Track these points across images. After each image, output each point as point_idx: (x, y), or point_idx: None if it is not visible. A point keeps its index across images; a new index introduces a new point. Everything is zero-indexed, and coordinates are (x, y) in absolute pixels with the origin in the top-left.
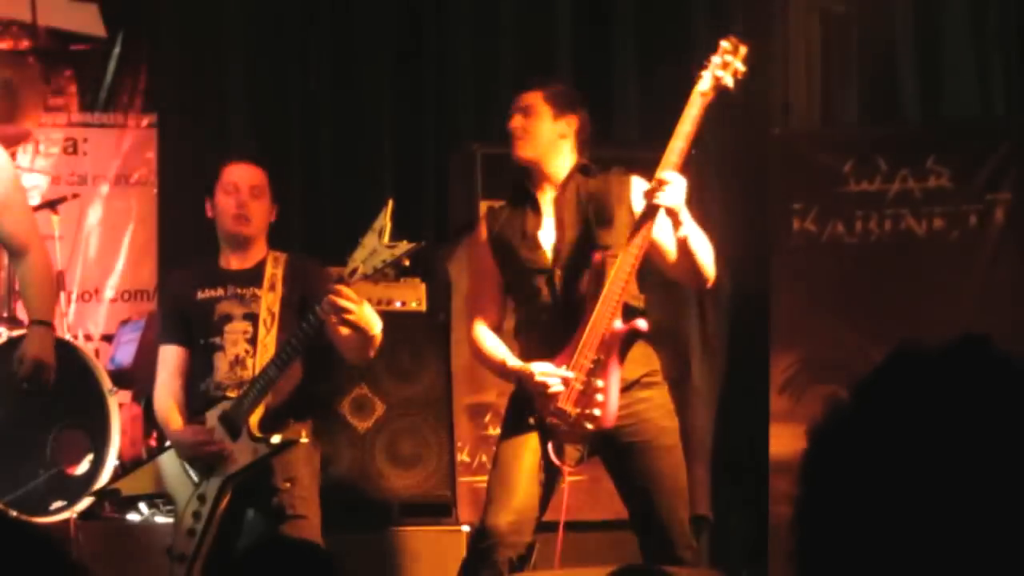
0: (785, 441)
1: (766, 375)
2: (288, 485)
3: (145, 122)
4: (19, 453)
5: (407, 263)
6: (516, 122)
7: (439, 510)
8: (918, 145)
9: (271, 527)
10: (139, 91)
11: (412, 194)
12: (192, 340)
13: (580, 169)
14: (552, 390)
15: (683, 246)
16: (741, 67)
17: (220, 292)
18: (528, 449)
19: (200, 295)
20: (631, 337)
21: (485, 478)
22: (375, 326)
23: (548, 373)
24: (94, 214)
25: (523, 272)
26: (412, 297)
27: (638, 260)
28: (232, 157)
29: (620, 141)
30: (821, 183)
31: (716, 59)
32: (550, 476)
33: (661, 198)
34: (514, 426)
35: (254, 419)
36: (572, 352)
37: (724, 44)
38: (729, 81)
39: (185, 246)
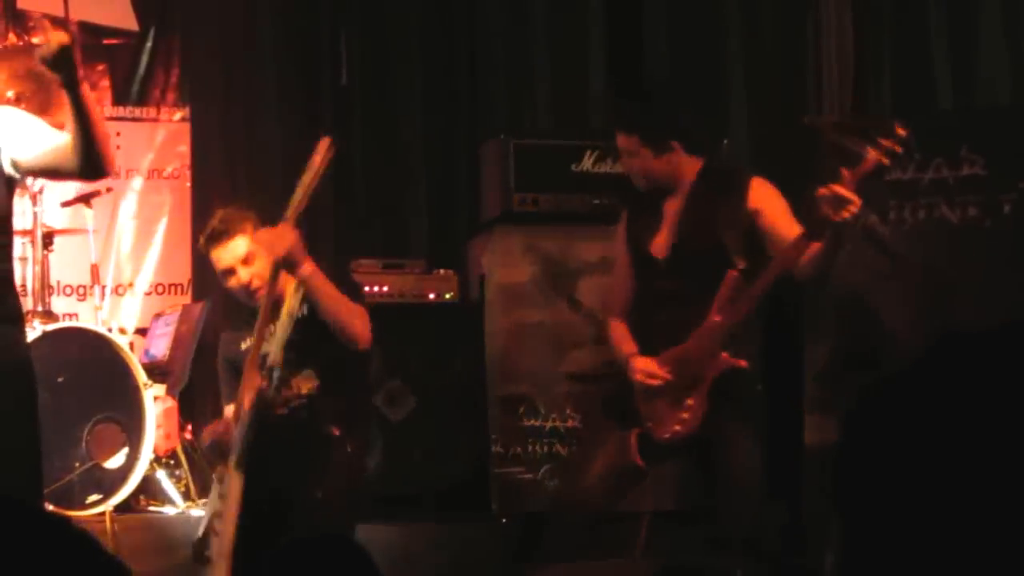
0: (819, 431)
1: (801, 365)
2: (320, 494)
3: (178, 116)
4: (55, 447)
5: (319, 160)
6: (624, 163)
7: (473, 502)
8: (951, 134)
9: (304, 522)
10: (171, 85)
11: (445, 186)
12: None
13: (703, 173)
14: (648, 384)
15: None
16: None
17: (248, 342)
18: (613, 437)
19: (243, 346)
20: (729, 372)
21: (519, 469)
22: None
23: (646, 371)
24: (128, 208)
25: (647, 271)
26: (445, 289)
27: (783, 267)
28: (208, 242)
29: None
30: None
31: (885, 144)
32: (629, 469)
33: (835, 217)
34: (609, 412)
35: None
36: (677, 357)
37: (900, 133)
38: (886, 161)
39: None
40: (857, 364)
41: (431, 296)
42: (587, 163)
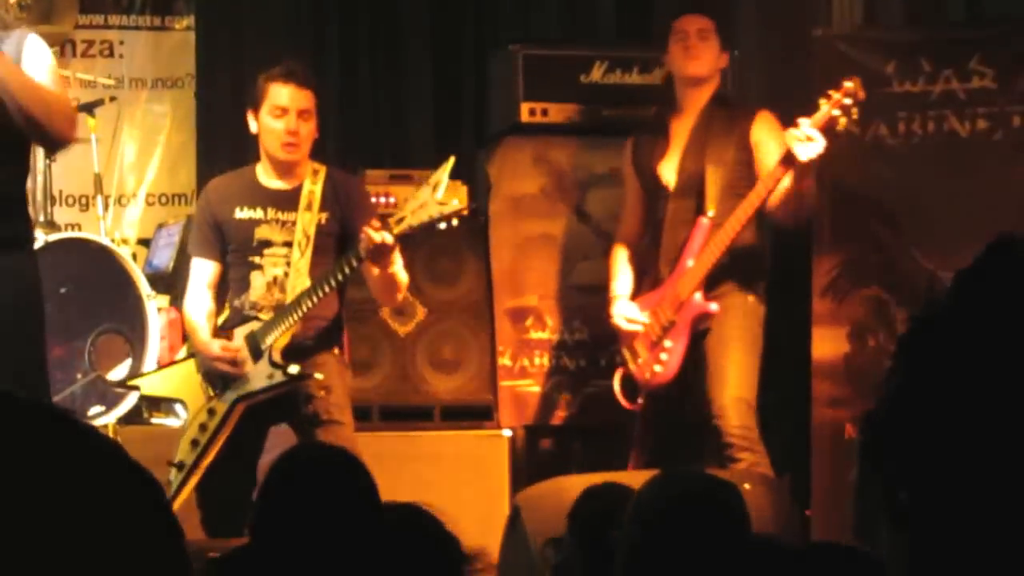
0: (827, 344)
1: (808, 278)
2: (323, 392)
3: (183, 25)
4: (57, 359)
5: (455, 223)
6: (692, 41)
7: (480, 414)
8: (961, 45)
9: (304, 433)
10: None
11: (451, 95)
12: (228, 255)
13: (716, 100)
14: (626, 329)
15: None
16: (856, 113)
17: (260, 214)
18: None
19: (239, 214)
20: (704, 316)
21: (527, 382)
22: (401, 276)
23: (626, 316)
24: (131, 117)
25: (656, 193)
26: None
27: (755, 208)
28: (280, 75)
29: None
30: (864, 84)
31: (837, 96)
32: None
33: (803, 151)
34: None
35: (278, 344)
36: (660, 297)
37: (848, 85)
38: (843, 123)
39: (222, 150)
40: (864, 276)
41: None
42: (596, 74)
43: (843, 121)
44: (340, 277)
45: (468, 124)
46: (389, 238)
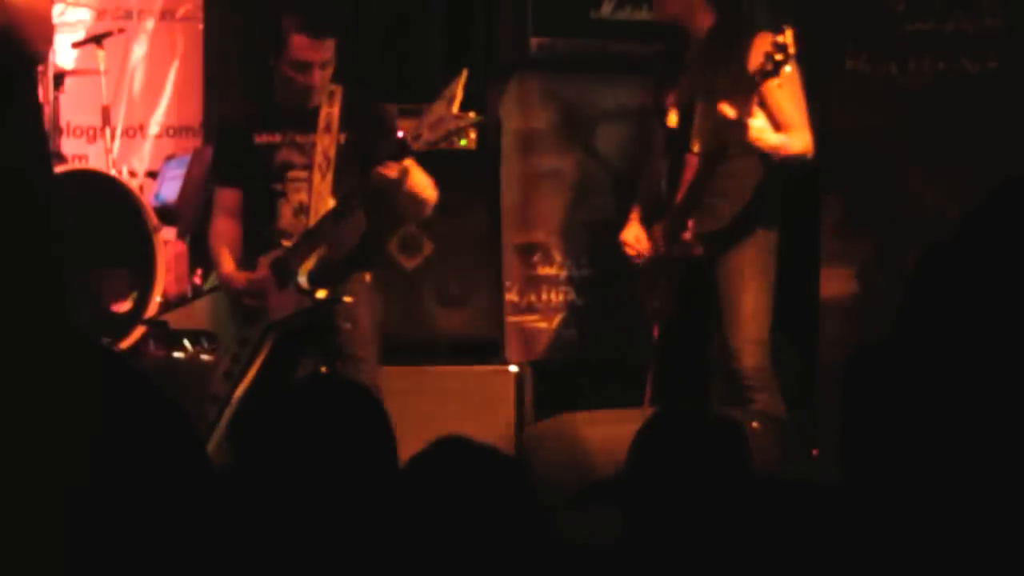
0: (835, 283)
1: (816, 216)
2: (349, 326)
3: None
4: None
5: (473, 135)
6: None
7: (487, 349)
8: None
9: (329, 366)
10: None
11: (461, 28)
12: (250, 183)
13: (716, 29)
14: (629, 256)
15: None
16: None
17: (279, 138)
18: None
19: (258, 139)
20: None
21: (534, 317)
22: (426, 189)
23: (629, 243)
24: (139, 49)
25: (664, 133)
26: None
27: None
28: (303, 27)
29: None
30: (874, 23)
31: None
32: None
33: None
34: None
35: (304, 269)
36: (657, 234)
37: (779, 41)
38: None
39: (231, 83)
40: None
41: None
42: (607, 9)
43: (768, 69)
44: (361, 190)
45: (478, 59)
46: (395, 173)
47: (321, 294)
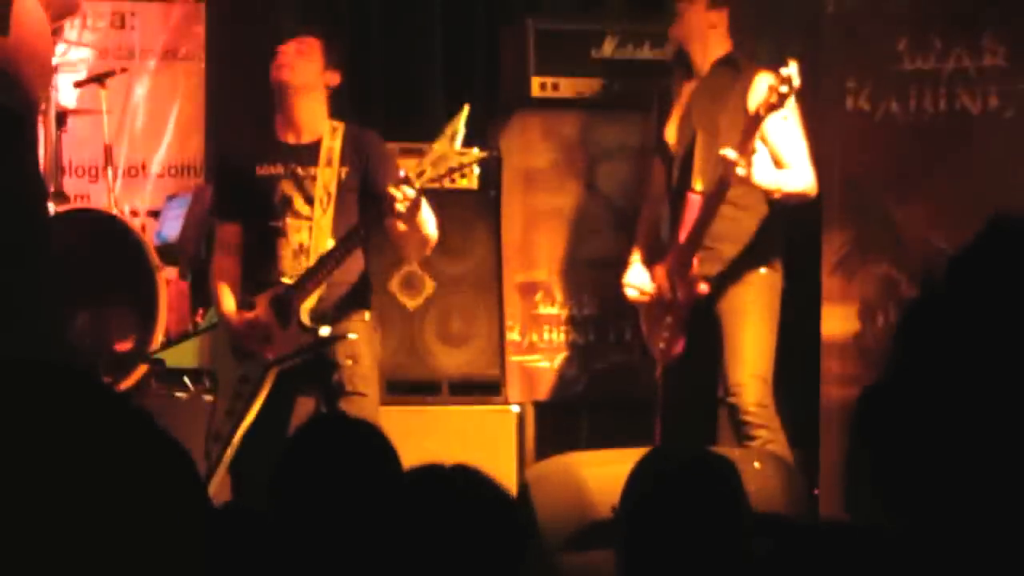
0: (836, 322)
1: (817, 255)
2: (350, 362)
3: None
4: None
5: (476, 171)
6: (676, 6)
7: (488, 389)
8: (973, 22)
9: (329, 403)
10: None
11: (463, 67)
12: (250, 221)
13: (722, 62)
14: (631, 298)
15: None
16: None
17: (280, 169)
18: None
19: (260, 171)
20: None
21: (535, 357)
22: (428, 225)
23: (630, 283)
24: (141, 89)
25: (665, 163)
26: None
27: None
28: (285, 37)
29: None
30: (875, 61)
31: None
32: None
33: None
34: None
35: (306, 307)
36: (662, 272)
37: (783, 75)
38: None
39: (232, 122)
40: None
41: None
42: (608, 49)
43: (773, 101)
44: (365, 235)
45: (479, 98)
46: (411, 192)
47: (324, 331)
